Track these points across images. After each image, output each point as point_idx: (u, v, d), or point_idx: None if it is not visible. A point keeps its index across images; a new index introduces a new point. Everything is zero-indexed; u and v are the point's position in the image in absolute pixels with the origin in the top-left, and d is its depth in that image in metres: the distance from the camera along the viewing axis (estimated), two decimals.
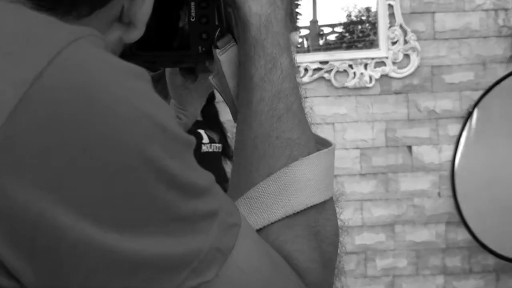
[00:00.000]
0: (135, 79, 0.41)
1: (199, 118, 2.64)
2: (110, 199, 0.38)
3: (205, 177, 0.45)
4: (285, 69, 0.55)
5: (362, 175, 2.95)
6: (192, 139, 0.44)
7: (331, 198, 0.56)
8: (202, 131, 2.47)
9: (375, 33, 2.94)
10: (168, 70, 0.78)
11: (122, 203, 0.38)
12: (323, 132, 2.82)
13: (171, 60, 0.67)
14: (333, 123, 2.95)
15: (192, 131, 2.59)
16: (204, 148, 2.44)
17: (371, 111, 2.96)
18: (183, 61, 0.68)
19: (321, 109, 2.90)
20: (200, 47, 0.62)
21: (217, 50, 0.60)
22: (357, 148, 2.96)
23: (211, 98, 2.59)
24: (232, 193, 0.54)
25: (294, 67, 0.57)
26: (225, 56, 0.59)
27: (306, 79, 2.91)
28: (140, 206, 0.39)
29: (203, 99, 0.82)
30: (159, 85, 0.78)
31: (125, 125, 0.38)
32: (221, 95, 0.61)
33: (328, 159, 0.56)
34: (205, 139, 2.47)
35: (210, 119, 2.54)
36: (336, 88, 2.95)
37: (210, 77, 0.61)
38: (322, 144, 0.58)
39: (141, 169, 0.39)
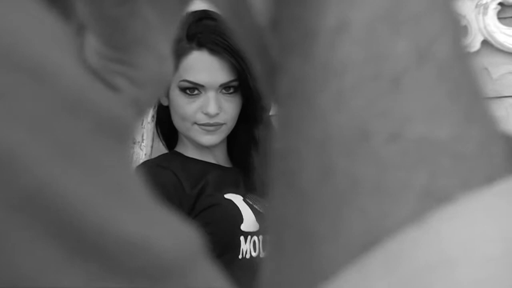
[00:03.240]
0: None
1: (227, 163, 1.59)
2: None
3: (170, 227, 0.26)
4: None
5: None
6: (125, 116, 0.27)
7: None
8: (235, 198, 1.48)
9: None
10: None
11: None
12: None
13: None
14: None
15: (211, 202, 1.44)
16: (246, 248, 1.41)
17: None
18: None
19: None
20: None
21: None
22: None
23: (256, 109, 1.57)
24: None
25: None
26: None
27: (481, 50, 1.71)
28: None
29: (172, 28, 0.48)
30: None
31: None
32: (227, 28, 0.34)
33: None
34: (247, 225, 1.46)
35: (249, 161, 1.44)
36: None
37: None
38: None
39: None
